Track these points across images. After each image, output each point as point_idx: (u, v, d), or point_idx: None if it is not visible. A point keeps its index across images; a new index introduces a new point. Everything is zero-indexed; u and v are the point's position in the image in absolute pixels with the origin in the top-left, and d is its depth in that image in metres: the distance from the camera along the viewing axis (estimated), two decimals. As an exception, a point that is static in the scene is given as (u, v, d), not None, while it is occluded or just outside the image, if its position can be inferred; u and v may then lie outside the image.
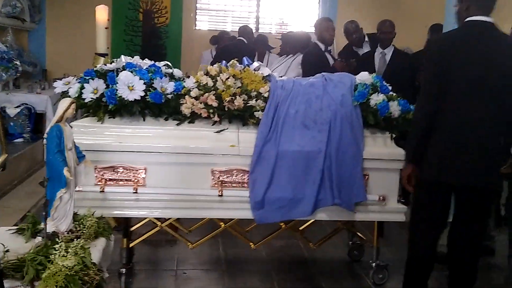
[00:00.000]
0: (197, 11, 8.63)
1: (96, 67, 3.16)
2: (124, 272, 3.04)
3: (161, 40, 8.13)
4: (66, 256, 1.77)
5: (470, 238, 2.60)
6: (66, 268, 1.73)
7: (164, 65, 3.17)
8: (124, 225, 3.09)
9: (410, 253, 2.70)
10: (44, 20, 7.96)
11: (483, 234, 2.72)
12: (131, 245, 3.12)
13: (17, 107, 5.88)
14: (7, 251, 1.86)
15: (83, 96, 2.92)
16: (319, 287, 3.27)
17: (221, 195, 2.87)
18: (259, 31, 8.40)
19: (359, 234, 3.39)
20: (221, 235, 3.44)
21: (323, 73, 3.21)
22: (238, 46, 5.82)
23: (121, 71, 2.99)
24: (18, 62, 6.12)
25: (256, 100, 2.94)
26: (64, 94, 3.00)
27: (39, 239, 2.00)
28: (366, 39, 5.55)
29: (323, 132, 2.88)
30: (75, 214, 2.13)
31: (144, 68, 3.04)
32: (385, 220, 3.18)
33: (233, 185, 2.91)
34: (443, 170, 2.50)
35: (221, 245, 3.79)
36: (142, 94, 2.88)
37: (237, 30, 6.41)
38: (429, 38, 5.15)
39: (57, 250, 1.79)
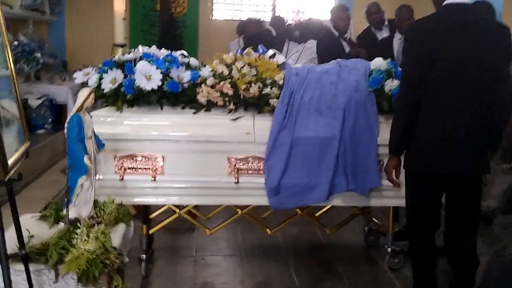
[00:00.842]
0: (213, 0, 8.64)
1: (114, 57, 3.22)
2: (144, 258, 3.12)
3: (178, 30, 8.16)
4: (87, 241, 1.85)
5: (465, 226, 2.56)
6: (88, 252, 1.81)
7: (181, 55, 3.22)
8: (143, 212, 3.16)
9: (411, 242, 2.69)
10: (63, 12, 8.05)
11: (477, 220, 2.63)
12: (150, 232, 3.20)
13: (38, 98, 6.00)
14: (32, 236, 1.94)
15: (102, 86, 2.98)
16: (335, 271, 3.31)
17: (238, 182, 2.91)
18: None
19: (374, 219, 3.42)
20: (238, 222, 3.49)
21: (337, 59, 3.23)
22: (263, 36, 5.79)
23: (138, 61, 3.04)
24: (39, 54, 6.24)
25: (271, 88, 2.98)
26: (84, 85, 3.07)
27: (62, 225, 2.08)
28: (386, 23, 5.52)
29: (338, 118, 2.90)
30: (95, 201, 2.20)
31: (161, 58, 3.10)
32: (399, 205, 3.19)
33: (249, 172, 2.96)
34: (428, 162, 2.46)
35: (238, 232, 3.85)
36: (159, 83, 2.93)
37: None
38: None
39: (78, 235, 1.86)
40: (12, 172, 1.49)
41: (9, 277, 1.53)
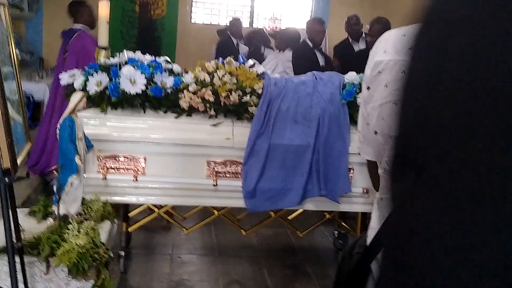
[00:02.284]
0: (192, 3, 8.76)
1: (99, 60, 3.34)
2: (123, 254, 3.24)
3: (156, 32, 8.27)
4: (78, 236, 1.97)
5: None
6: (79, 246, 1.93)
7: (164, 61, 3.35)
8: (123, 211, 3.28)
9: None
10: (41, 9, 8.07)
11: None
12: (129, 229, 3.32)
13: (16, 95, 6.01)
14: (23, 230, 2.05)
15: (88, 88, 3.09)
16: (306, 273, 3.49)
17: (216, 185, 3.06)
18: (253, 25, 8.57)
19: (343, 224, 3.60)
20: (214, 223, 3.64)
21: (313, 71, 3.41)
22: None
23: (123, 65, 3.16)
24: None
25: (250, 96, 3.13)
26: (69, 86, 3.18)
27: (50, 220, 2.20)
28: (363, 36, 5.74)
29: (312, 128, 3.08)
30: (82, 199, 2.32)
31: (145, 63, 3.22)
32: (368, 211, 3.39)
33: (227, 175, 3.11)
34: None
35: (214, 232, 3.99)
36: (143, 88, 3.06)
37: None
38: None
39: (70, 230, 1.98)
40: (18, 171, 1.61)
41: (14, 268, 1.64)
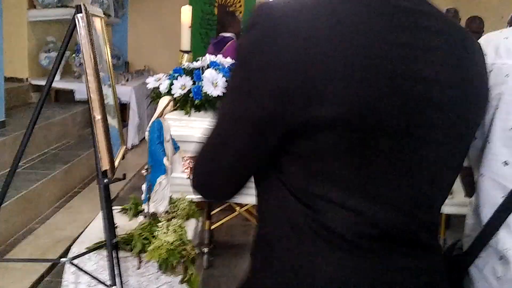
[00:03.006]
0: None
1: (182, 63, 3.48)
2: (206, 251, 3.36)
3: (235, 33, 8.41)
4: (167, 233, 2.08)
5: None
6: (168, 243, 2.04)
7: (244, 63, 3.43)
8: (206, 209, 3.40)
9: None
10: (126, 15, 8.48)
11: None
12: (212, 227, 3.43)
13: (104, 98, 6.36)
14: (117, 227, 2.19)
15: (172, 91, 3.24)
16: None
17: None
18: None
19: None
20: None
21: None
22: None
23: (206, 69, 3.28)
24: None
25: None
26: (155, 89, 3.34)
27: (140, 218, 2.33)
28: None
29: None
30: (170, 198, 2.44)
31: (226, 66, 3.32)
32: (452, 212, 3.30)
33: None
34: None
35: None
36: (225, 90, 3.15)
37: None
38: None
39: (159, 228, 2.10)
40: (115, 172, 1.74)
41: (112, 262, 1.78)
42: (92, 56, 1.64)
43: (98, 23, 2.02)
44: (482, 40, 1.22)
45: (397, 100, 0.83)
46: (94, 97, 1.55)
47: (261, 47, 0.85)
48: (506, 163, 1.11)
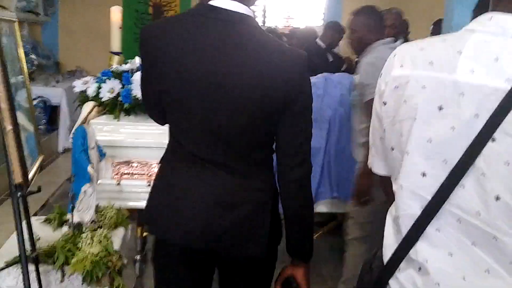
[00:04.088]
0: (205, 4, 8.79)
1: (111, 64, 3.38)
2: (139, 259, 3.28)
3: (170, 33, 8.30)
4: (91, 244, 2.01)
5: None
6: (92, 254, 1.97)
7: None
8: (138, 216, 3.32)
9: None
10: (57, 13, 8.17)
11: None
12: (144, 234, 3.36)
13: (33, 99, 6.10)
14: (38, 239, 2.10)
15: (100, 95, 3.14)
16: (320, 274, 3.50)
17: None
18: (265, 24, 8.58)
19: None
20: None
21: (324, 73, 3.42)
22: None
23: (135, 71, 3.20)
24: (33, 56, 6.36)
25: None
26: (82, 93, 3.23)
27: (65, 228, 2.24)
28: None
29: (323, 130, 3.09)
30: (96, 206, 2.37)
31: (157, 69, 3.26)
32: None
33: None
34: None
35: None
36: (156, 94, 3.09)
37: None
38: (431, 33, 5.33)
39: (83, 239, 2.02)
40: (30, 185, 1.65)
41: (28, 279, 1.69)
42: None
43: (5, 27, 1.91)
44: (398, 51, 1.23)
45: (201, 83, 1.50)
46: (4, 106, 1.47)
47: None
48: (424, 174, 1.12)
